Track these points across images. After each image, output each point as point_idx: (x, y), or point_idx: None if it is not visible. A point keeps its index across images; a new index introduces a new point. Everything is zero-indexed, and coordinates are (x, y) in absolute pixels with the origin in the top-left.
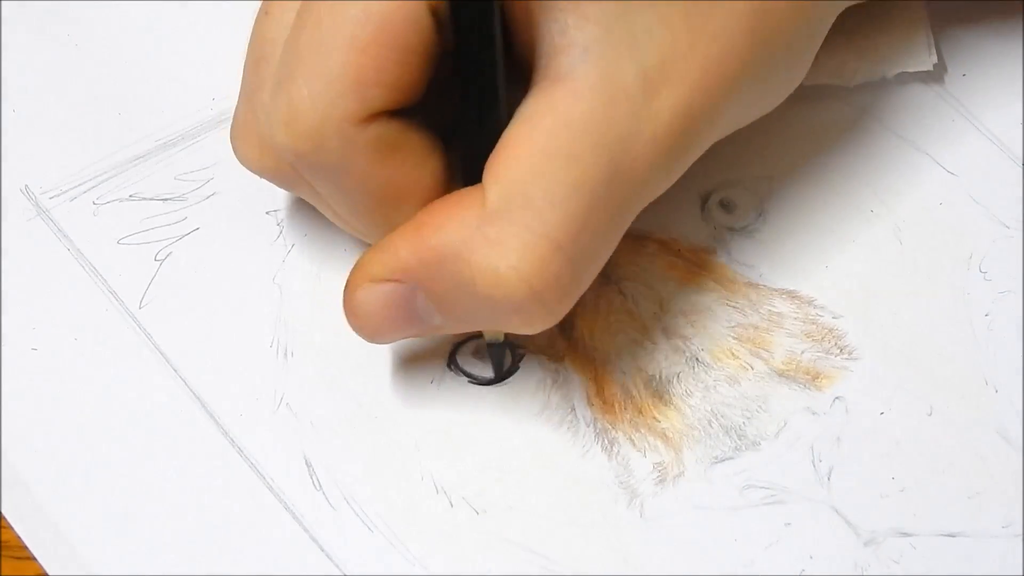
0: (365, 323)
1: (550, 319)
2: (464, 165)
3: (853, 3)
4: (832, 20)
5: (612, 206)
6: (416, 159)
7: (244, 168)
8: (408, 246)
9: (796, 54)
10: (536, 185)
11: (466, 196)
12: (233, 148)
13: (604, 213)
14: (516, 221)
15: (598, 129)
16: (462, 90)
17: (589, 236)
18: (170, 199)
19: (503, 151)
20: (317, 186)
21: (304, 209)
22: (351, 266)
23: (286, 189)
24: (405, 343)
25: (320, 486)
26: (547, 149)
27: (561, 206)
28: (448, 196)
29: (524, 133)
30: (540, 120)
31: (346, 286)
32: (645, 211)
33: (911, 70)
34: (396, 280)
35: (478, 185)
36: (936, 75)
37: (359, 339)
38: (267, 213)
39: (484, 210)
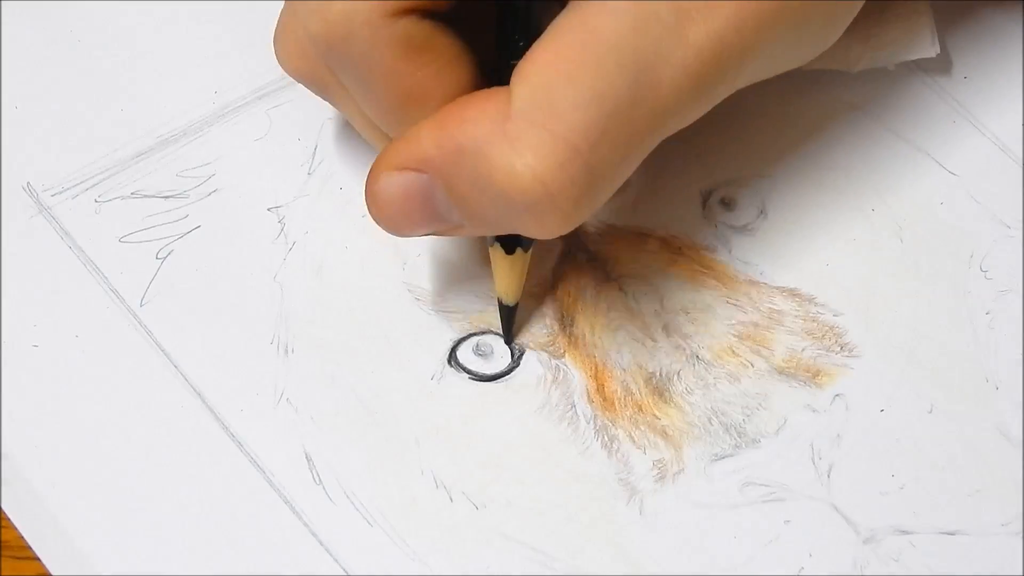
0: (385, 212)
1: (563, 223)
2: (495, 73)
3: None
4: None
5: (634, 124)
6: (444, 62)
7: (245, 165)
8: (431, 136)
9: (831, 11)
10: (560, 89)
11: (493, 94)
12: (275, 51)
13: (625, 128)
14: (537, 121)
15: (628, 46)
16: (497, 1)
17: (608, 147)
18: (172, 196)
19: (532, 57)
20: (345, 81)
21: (305, 207)
22: (353, 264)
23: (321, 95)
24: (404, 338)
25: (320, 481)
26: (575, 59)
27: (583, 111)
28: (475, 93)
29: (555, 42)
30: (572, 32)
31: (369, 174)
32: (647, 208)
33: (914, 58)
34: (416, 169)
35: (506, 87)
36: (939, 71)
37: (360, 336)
38: (268, 210)
39: (508, 108)
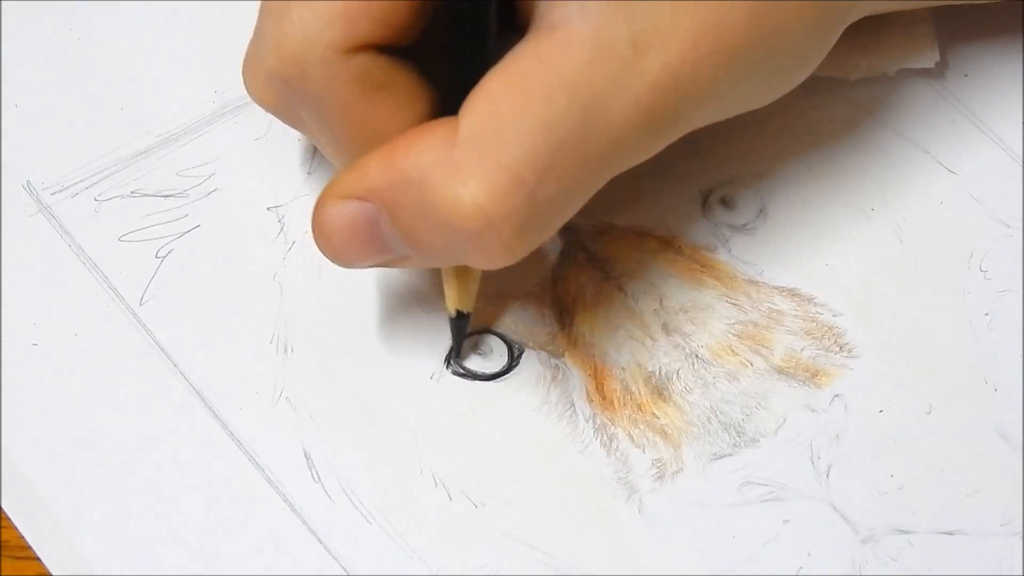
0: (330, 242)
1: (507, 254)
2: (446, 103)
3: (866, 14)
4: (842, 29)
5: (583, 157)
6: (401, 99)
7: (245, 164)
8: (377, 166)
9: (797, 54)
10: (508, 119)
11: (441, 124)
12: (243, 79)
13: (573, 161)
14: (483, 151)
15: (580, 81)
16: (453, 31)
17: (554, 180)
18: (171, 196)
19: (482, 86)
20: (303, 115)
21: (305, 206)
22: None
23: (287, 123)
24: (404, 337)
25: (319, 478)
26: (525, 89)
27: (529, 141)
28: (424, 124)
29: (506, 73)
30: (524, 62)
31: (315, 205)
32: (647, 207)
33: (914, 66)
34: (362, 199)
35: (455, 116)
36: (938, 73)
37: (359, 335)
38: (268, 209)
39: (455, 138)
